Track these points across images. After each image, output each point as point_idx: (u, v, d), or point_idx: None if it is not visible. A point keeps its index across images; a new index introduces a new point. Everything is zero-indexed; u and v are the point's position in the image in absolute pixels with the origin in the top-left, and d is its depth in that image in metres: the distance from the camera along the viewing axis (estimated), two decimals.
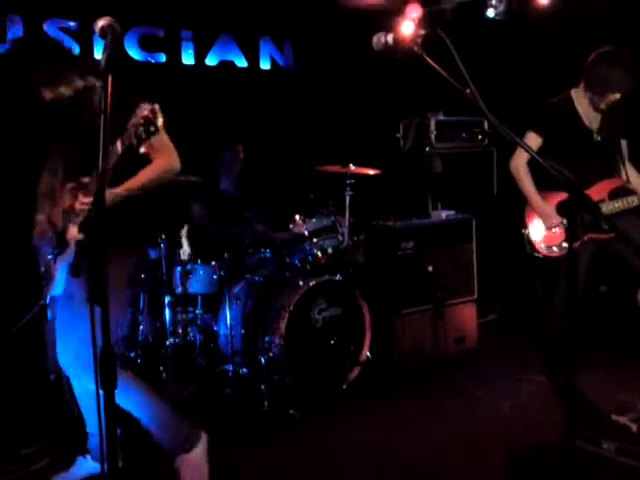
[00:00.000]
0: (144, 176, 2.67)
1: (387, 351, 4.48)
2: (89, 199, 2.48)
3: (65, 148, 2.78)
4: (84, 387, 2.82)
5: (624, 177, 3.72)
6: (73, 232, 2.61)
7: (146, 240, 3.12)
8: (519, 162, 3.74)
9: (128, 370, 2.81)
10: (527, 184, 3.73)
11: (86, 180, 2.53)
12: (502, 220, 5.56)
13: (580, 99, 3.71)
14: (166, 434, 2.81)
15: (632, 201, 3.64)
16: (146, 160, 2.69)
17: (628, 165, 3.78)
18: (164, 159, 2.71)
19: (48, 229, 2.81)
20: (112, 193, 2.50)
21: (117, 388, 2.55)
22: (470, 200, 5.42)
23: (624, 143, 3.80)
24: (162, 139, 2.68)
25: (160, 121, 2.12)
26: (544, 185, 3.71)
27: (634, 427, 3.18)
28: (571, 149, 3.64)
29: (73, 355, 2.69)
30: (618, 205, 3.63)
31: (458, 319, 4.86)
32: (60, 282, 2.72)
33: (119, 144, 2.32)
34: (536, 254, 3.79)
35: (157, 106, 2.20)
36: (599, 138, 3.71)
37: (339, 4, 5.50)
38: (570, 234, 1.99)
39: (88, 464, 3.04)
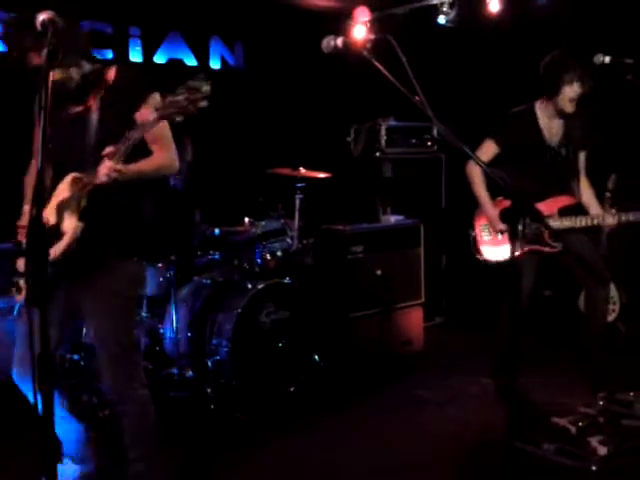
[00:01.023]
0: (143, 164, 2.50)
1: (335, 354, 4.49)
2: (119, 165, 2.30)
3: (60, 138, 2.50)
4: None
5: (577, 194, 3.78)
6: (71, 223, 2.44)
7: (149, 244, 2.86)
8: (474, 166, 3.74)
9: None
10: (479, 187, 3.77)
11: (110, 149, 2.32)
12: (450, 225, 5.64)
13: (542, 112, 3.73)
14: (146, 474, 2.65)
15: (580, 221, 3.66)
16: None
17: (583, 180, 3.83)
18: (165, 154, 2.59)
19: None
20: (125, 167, 2.36)
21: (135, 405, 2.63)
22: (419, 205, 5.48)
23: (582, 155, 3.84)
24: (167, 132, 2.59)
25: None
26: (499, 191, 3.75)
27: (573, 429, 3.25)
28: (528, 161, 3.69)
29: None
30: (567, 223, 3.65)
31: (405, 322, 4.89)
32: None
33: (153, 115, 2.23)
34: (479, 257, 3.85)
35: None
36: (558, 151, 3.73)
37: (291, 5, 5.49)
38: (511, 241, 2.02)
39: (69, 468, 2.85)
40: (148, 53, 5.26)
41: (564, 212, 3.70)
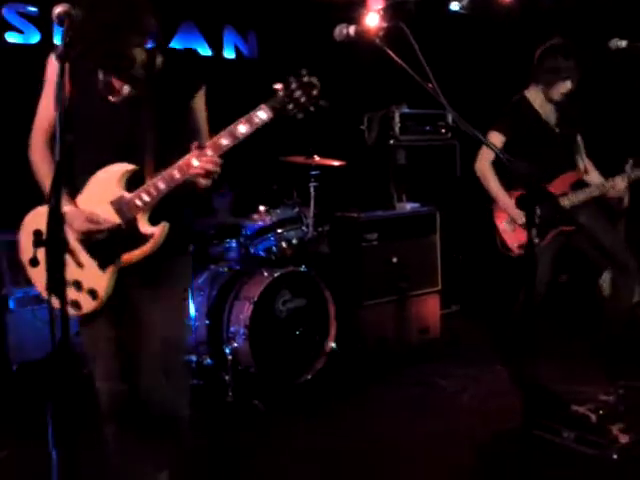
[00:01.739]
0: None
1: (351, 341, 4.50)
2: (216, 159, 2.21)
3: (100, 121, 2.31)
4: None
5: (582, 169, 3.81)
6: (148, 224, 2.24)
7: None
8: (484, 163, 3.73)
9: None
10: (494, 184, 3.73)
11: (196, 144, 2.22)
12: (465, 212, 5.61)
13: (534, 97, 3.76)
14: None
15: (594, 191, 3.72)
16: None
17: (585, 158, 3.87)
18: None
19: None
20: None
21: None
22: (434, 192, 5.46)
23: (579, 137, 3.88)
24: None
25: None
26: (509, 185, 3.75)
27: (593, 417, 3.23)
28: (534, 144, 3.68)
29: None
30: (582, 196, 3.70)
31: (422, 310, 4.90)
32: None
33: (265, 111, 2.18)
34: (510, 254, 3.80)
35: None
36: (558, 131, 3.77)
37: None
38: (528, 225, 2.02)
39: None
40: (162, 43, 5.27)
41: (576, 186, 3.74)
